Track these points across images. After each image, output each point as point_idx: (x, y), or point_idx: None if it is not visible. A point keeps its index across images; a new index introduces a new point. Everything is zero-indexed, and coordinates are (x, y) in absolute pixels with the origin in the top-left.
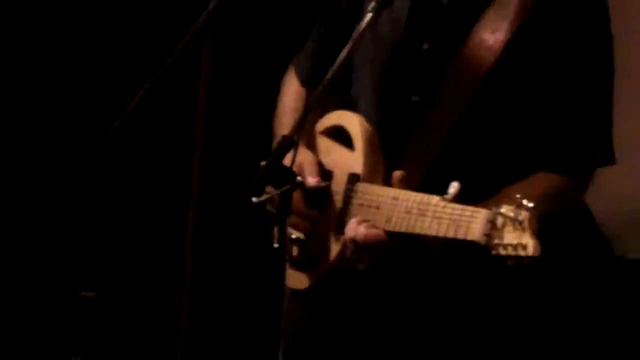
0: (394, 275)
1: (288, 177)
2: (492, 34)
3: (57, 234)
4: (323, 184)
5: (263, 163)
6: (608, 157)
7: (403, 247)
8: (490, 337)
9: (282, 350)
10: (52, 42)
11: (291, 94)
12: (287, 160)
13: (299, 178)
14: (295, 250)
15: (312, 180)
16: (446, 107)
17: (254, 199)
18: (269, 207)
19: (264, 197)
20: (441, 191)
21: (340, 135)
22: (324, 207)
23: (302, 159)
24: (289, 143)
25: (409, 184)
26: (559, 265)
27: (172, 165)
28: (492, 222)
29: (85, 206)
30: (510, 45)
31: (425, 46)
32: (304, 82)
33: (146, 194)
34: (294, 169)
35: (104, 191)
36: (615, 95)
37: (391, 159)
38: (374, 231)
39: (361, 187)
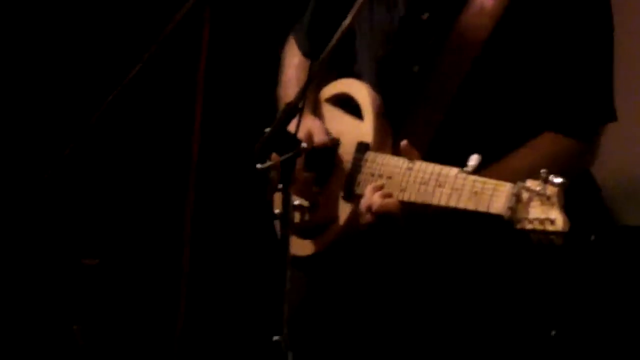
0: (399, 246)
1: (292, 144)
2: (490, 0)
3: (60, 202)
4: (334, 141)
5: (267, 130)
6: (609, 114)
7: (414, 218)
8: (494, 302)
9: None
10: (44, 22)
11: (294, 64)
12: (291, 127)
13: (303, 145)
14: (297, 217)
15: (323, 137)
16: (447, 76)
17: (258, 165)
18: (272, 174)
19: (268, 163)
20: (445, 160)
21: (346, 104)
22: (329, 174)
23: (310, 125)
24: (293, 110)
25: (417, 151)
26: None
27: (173, 141)
28: (517, 196)
29: (88, 176)
30: (509, 9)
31: (425, 16)
32: (305, 53)
33: (147, 162)
34: (302, 135)
35: (105, 162)
36: (617, 67)
37: (395, 128)
38: (389, 200)
39: (371, 156)
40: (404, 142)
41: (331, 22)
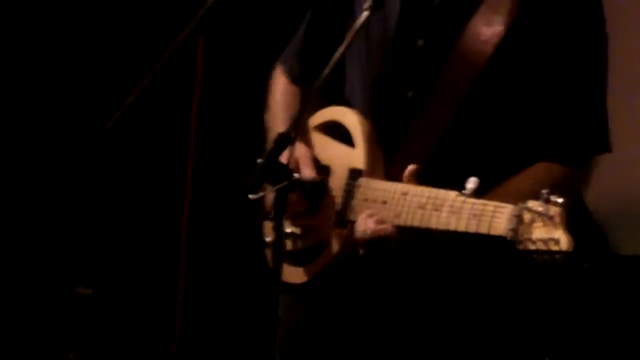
0: (392, 269)
1: (285, 174)
2: (487, 27)
3: (54, 231)
4: (319, 178)
5: (259, 160)
6: (604, 145)
7: (407, 239)
8: (488, 329)
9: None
10: (46, 43)
11: (281, 90)
12: (283, 158)
13: (296, 175)
14: (289, 245)
15: (309, 172)
16: (442, 102)
17: (251, 196)
18: (265, 204)
19: (260, 193)
20: (439, 185)
21: (336, 131)
22: (321, 201)
23: (298, 154)
24: (286, 140)
25: (415, 180)
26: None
27: (167, 164)
28: (518, 217)
29: (81, 203)
30: (506, 38)
31: (420, 42)
32: (293, 79)
33: (141, 192)
34: (290, 164)
35: (99, 189)
36: (613, 91)
37: (387, 154)
38: (383, 226)
39: (364, 181)
40: (410, 169)
41: (323, 48)
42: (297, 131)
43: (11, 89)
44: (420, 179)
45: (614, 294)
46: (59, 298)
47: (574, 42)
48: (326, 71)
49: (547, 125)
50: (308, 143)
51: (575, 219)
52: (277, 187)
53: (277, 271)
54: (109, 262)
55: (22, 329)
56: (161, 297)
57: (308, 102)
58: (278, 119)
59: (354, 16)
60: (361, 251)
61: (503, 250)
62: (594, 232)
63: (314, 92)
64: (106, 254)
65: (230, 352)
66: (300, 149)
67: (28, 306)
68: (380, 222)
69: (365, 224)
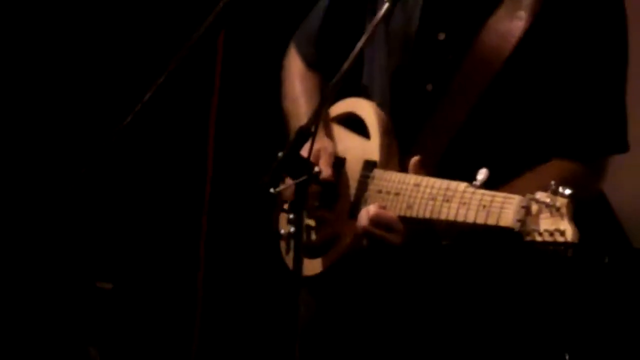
0: (403, 265)
1: (305, 168)
2: (508, 23)
3: (74, 226)
4: (334, 180)
5: (280, 154)
6: (621, 144)
7: (415, 235)
8: (500, 327)
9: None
10: (68, 36)
11: (299, 76)
12: (304, 151)
13: (316, 169)
14: (304, 237)
15: (327, 172)
16: (461, 96)
17: (272, 190)
18: (284, 197)
19: (281, 187)
20: (454, 179)
21: (352, 123)
22: (336, 193)
23: (320, 146)
24: (306, 134)
25: (425, 170)
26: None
27: (188, 159)
28: (526, 208)
29: (102, 198)
30: (527, 34)
31: (441, 36)
32: (310, 63)
33: (162, 186)
34: (311, 155)
35: (120, 184)
36: (634, 90)
37: (404, 146)
38: (387, 212)
39: (377, 173)
40: (414, 160)
41: (340, 35)
42: (318, 125)
43: (34, 85)
44: (436, 173)
45: (634, 288)
46: (79, 292)
47: (594, 40)
48: (346, 65)
49: (564, 123)
50: (330, 136)
51: (597, 213)
52: (298, 180)
53: (298, 264)
54: (130, 256)
55: (42, 322)
56: (181, 292)
57: (331, 97)
58: (299, 107)
59: (374, 4)
60: (365, 242)
61: (510, 245)
62: (614, 226)
63: (336, 87)
64: (126, 249)
65: (249, 349)
66: (323, 142)
67: (48, 300)
68: (382, 208)
69: (367, 213)
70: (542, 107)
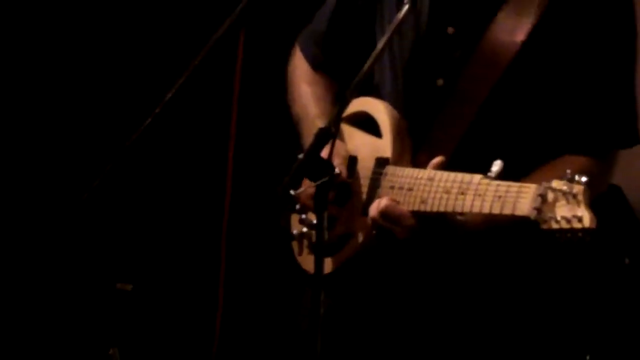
0: (418, 262)
1: (326, 169)
2: (517, 17)
3: (95, 227)
4: (348, 180)
5: (300, 155)
6: (632, 138)
7: (430, 230)
8: (519, 327)
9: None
10: (85, 36)
11: (306, 80)
12: (324, 153)
13: (337, 170)
14: (314, 236)
15: (343, 172)
16: (471, 91)
17: (292, 192)
18: (302, 200)
19: (301, 189)
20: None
21: (363, 122)
22: (348, 191)
23: (335, 149)
24: (326, 135)
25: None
26: (594, 252)
27: (207, 159)
28: (542, 196)
29: (122, 199)
30: (536, 28)
31: (450, 30)
32: (315, 65)
33: (181, 187)
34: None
35: (140, 185)
36: None
37: (415, 142)
38: (398, 206)
39: (390, 169)
40: (436, 159)
41: (347, 36)
42: (338, 127)
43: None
44: (447, 168)
45: None
46: (99, 294)
47: (603, 34)
48: (367, 65)
49: (574, 117)
50: (341, 137)
51: (617, 213)
52: (318, 182)
53: (319, 266)
54: (150, 257)
55: (64, 324)
56: (201, 293)
57: (350, 99)
58: (310, 111)
59: (382, 4)
60: (374, 231)
61: (526, 236)
62: (635, 227)
63: (356, 90)
64: (146, 250)
65: (268, 348)
66: (337, 144)
67: (69, 302)
68: (393, 200)
69: (377, 205)
70: (552, 101)
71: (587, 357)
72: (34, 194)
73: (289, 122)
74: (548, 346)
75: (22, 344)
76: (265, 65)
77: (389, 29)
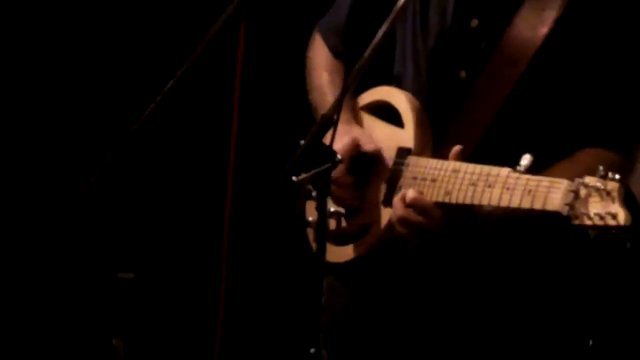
0: (442, 254)
1: (328, 156)
2: (540, 12)
3: (96, 216)
4: (380, 148)
5: (302, 142)
6: None
7: (453, 223)
8: (529, 314)
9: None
10: (85, 28)
11: (325, 66)
12: (326, 139)
13: (338, 157)
14: (333, 224)
15: (370, 146)
16: (494, 84)
17: (294, 178)
18: (307, 186)
19: (303, 176)
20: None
21: (383, 112)
22: (368, 180)
23: (356, 134)
24: (328, 122)
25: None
26: (599, 245)
27: (210, 149)
28: (575, 192)
29: (122, 188)
30: (560, 20)
31: (474, 23)
32: (337, 54)
33: (183, 176)
34: (348, 143)
35: (141, 174)
36: None
37: (437, 135)
38: (424, 198)
39: (412, 160)
40: (456, 148)
41: (368, 25)
42: (340, 113)
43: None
44: (469, 161)
45: None
46: (101, 283)
47: (626, 28)
48: (367, 54)
49: (597, 111)
50: (360, 124)
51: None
52: (320, 169)
53: (322, 253)
54: (151, 246)
55: (66, 314)
56: (204, 282)
57: (351, 85)
58: (327, 99)
59: None
60: (397, 230)
61: (556, 231)
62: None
63: (359, 75)
64: (148, 239)
65: (274, 339)
66: (356, 131)
67: (71, 292)
68: (419, 193)
69: (402, 197)
70: (575, 95)
71: (590, 342)
72: (35, 183)
73: (291, 112)
74: (550, 331)
75: (25, 335)
76: (267, 57)
77: (392, 13)
